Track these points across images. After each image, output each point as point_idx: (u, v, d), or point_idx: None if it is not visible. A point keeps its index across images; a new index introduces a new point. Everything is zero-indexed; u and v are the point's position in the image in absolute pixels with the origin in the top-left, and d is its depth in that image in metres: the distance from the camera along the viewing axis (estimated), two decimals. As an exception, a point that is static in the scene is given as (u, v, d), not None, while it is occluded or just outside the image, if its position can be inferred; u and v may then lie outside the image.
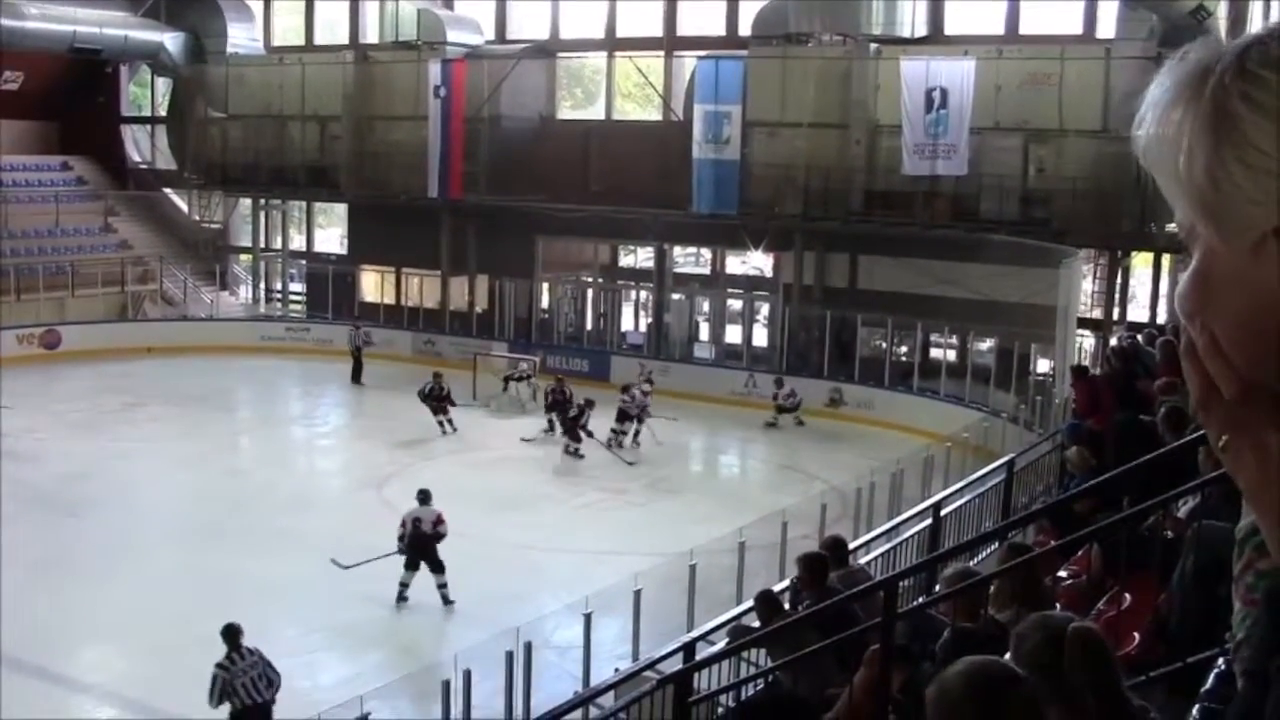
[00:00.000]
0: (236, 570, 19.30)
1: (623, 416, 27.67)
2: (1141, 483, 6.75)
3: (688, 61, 35.93)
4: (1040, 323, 28.36)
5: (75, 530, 21.12)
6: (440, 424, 28.38)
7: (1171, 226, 26.51)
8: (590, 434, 26.97)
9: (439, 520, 18.06)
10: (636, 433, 27.84)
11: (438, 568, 18.01)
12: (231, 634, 13.13)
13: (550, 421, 28.50)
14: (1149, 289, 31.94)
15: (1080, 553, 8.16)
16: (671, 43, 36.93)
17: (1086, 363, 26.36)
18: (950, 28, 33.34)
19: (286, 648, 17.23)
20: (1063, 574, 8.35)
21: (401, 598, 18.01)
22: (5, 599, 16.50)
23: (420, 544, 17.96)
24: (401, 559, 18.57)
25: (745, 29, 34.65)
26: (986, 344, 31.22)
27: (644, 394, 28.38)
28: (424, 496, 18.37)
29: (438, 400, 28.47)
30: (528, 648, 13.33)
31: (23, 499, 22.35)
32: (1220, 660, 3.34)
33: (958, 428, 25.80)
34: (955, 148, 30.46)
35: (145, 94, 49.06)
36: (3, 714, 12.98)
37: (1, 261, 38.61)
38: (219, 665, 12.96)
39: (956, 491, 15.45)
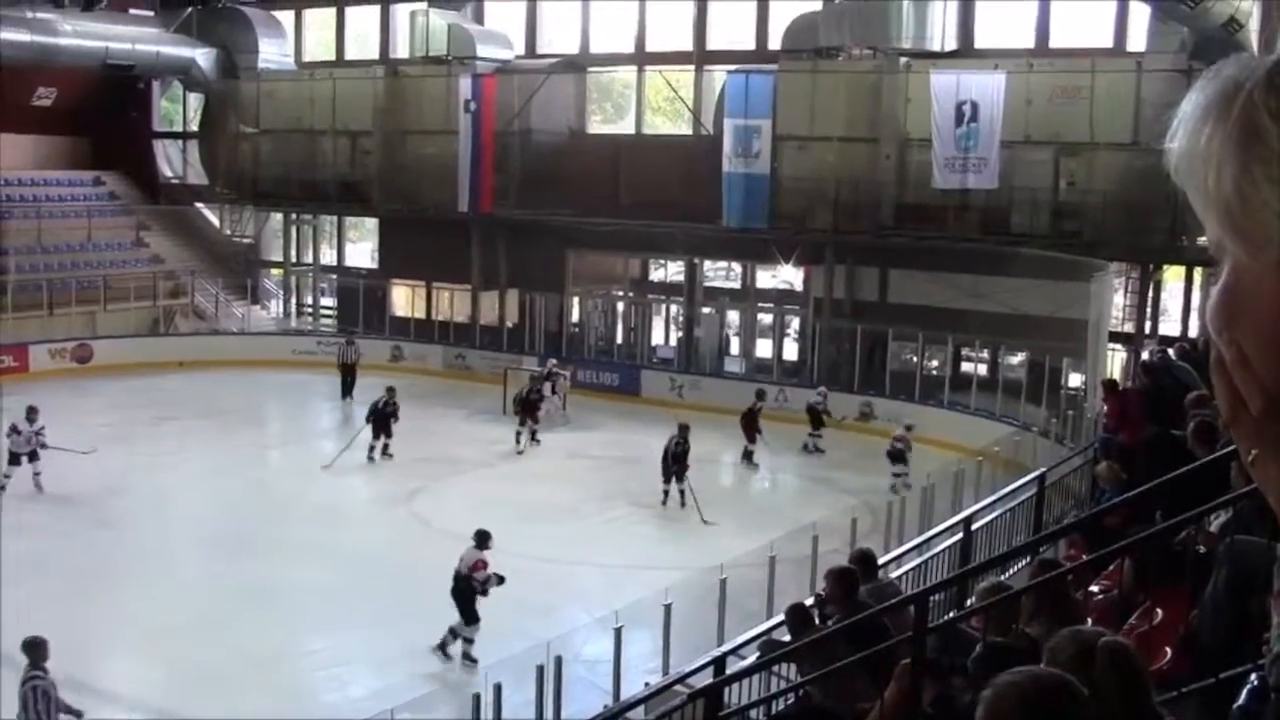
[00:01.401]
0: (266, 582, 19.50)
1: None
2: (1173, 497, 6.73)
3: (718, 75, 36.10)
4: (1071, 337, 28.32)
5: (107, 541, 21.24)
6: (373, 448, 27.55)
7: (1203, 240, 26.33)
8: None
9: (476, 565, 16.70)
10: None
11: (469, 617, 16.69)
12: (34, 647, 12.65)
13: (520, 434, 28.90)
14: (1180, 303, 31.82)
15: (1111, 567, 8.13)
16: (701, 57, 37.07)
17: (1118, 377, 26.46)
18: (980, 41, 33.36)
19: (316, 660, 17.70)
20: (1094, 588, 8.37)
21: (467, 657, 16.72)
22: (38, 608, 16.60)
23: (457, 587, 16.78)
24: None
25: (775, 43, 34.79)
26: (1017, 358, 31.09)
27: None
28: (480, 538, 17.00)
29: (381, 419, 27.52)
30: (558, 661, 13.36)
31: (54, 510, 22.76)
32: (1253, 675, 3.35)
33: (988, 441, 25.72)
34: (986, 161, 30.50)
35: (177, 109, 49.40)
36: None
37: (35, 276, 39.02)
38: (34, 676, 12.52)
39: (987, 506, 15.26)
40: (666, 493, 24.19)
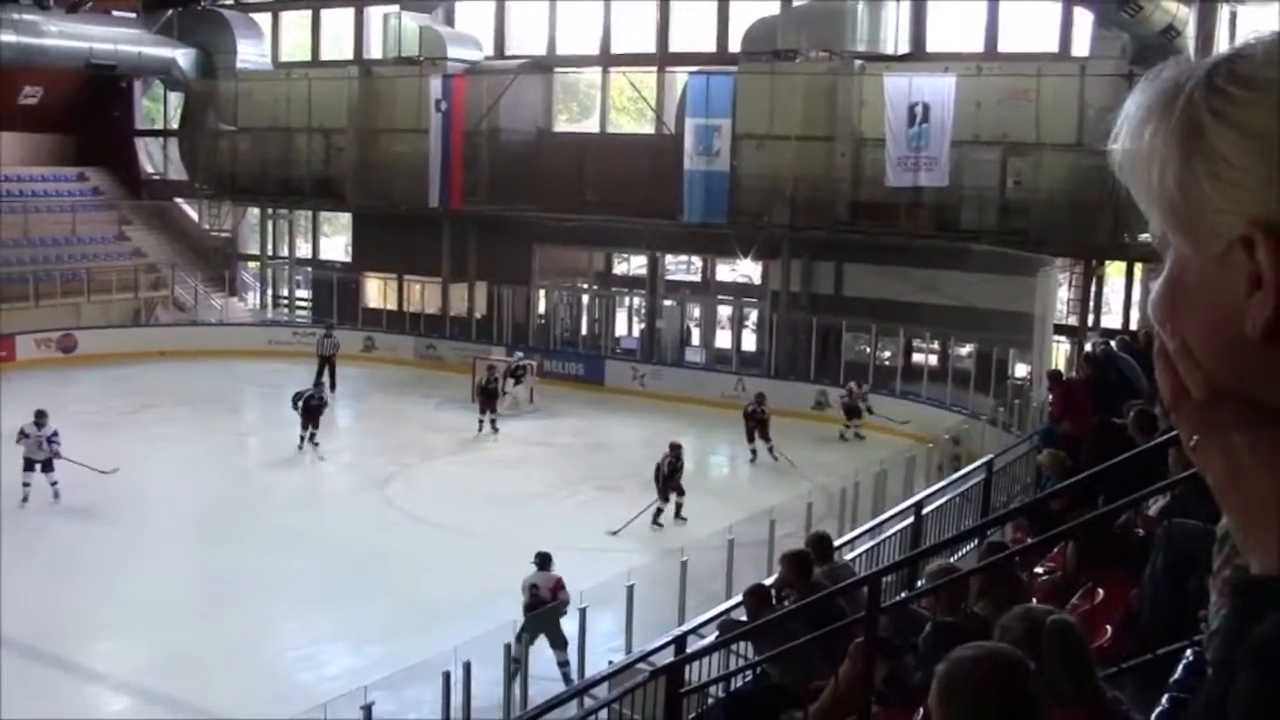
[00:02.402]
0: (244, 566, 19.60)
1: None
2: (1114, 482, 6.82)
3: (679, 77, 36.36)
4: (1018, 329, 28.69)
5: (90, 527, 21.41)
6: (303, 438, 27.65)
7: (1144, 237, 26.95)
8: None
9: (559, 586, 15.51)
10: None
11: (558, 642, 15.35)
12: None
13: (482, 422, 29.34)
14: (1122, 297, 32.26)
15: (1056, 550, 8.21)
16: (664, 59, 37.46)
17: (1062, 368, 26.80)
18: (932, 45, 33.96)
19: (291, 641, 17.85)
20: (1039, 570, 8.43)
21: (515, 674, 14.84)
22: (23, 592, 16.88)
23: (541, 612, 15.44)
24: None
25: (735, 45, 35.03)
26: (966, 349, 31.50)
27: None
28: (542, 560, 15.87)
29: (310, 410, 27.56)
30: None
31: (39, 496, 22.74)
32: (1188, 651, 3.49)
33: (939, 430, 26.24)
34: (937, 160, 30.92)
35: (158, 108, 49.62)
36: (21, 702, 13.03)
37: (21, 268, 39.35)
38: None
39: (937, 491, 15.56)
40: (660, 510, 22.91)
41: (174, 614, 17.59)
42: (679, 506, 23.08)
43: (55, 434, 23.09)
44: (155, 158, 48.90)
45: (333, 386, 33.71)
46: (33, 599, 17.56)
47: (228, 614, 18.06)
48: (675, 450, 23.34)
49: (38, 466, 22.91)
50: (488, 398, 29.28)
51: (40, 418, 23.08)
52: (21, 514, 21.98)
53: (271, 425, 31.93)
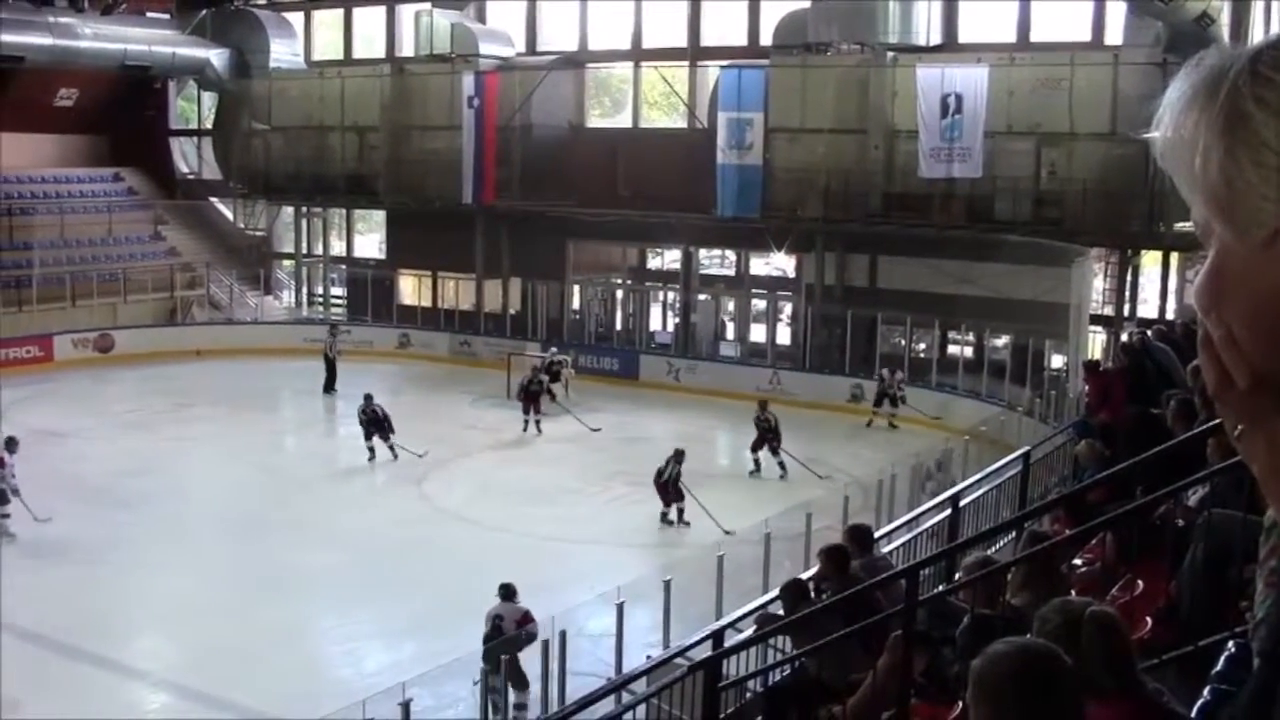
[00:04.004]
0: (282, 562, 19.86)
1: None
2: (1152, 473, 6.73)
3: (711, 71, 36.38)
4: (1053, 320, 28.69)
5: (128, 523, 21.55)
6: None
7: (1180, 225, 26.93)
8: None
9: (526, 619, 14.53)
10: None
11: (519, 683, 14.40)
12: None
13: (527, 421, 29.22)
14: (1158, 286, 32.14)
15: (1094, 541, 8.13)
16: (695, 53, 37.44)
17: (1098, 358, 26.58)
18: (964, 36, 33.85)
19: (328, 637, 17.96)
20: (1077, 561, 8.30)
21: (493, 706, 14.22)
22: (64, 588, 17.18)
23: (503, 646, 14.39)
24: None
25: (766, 39, 35.10)
26: (1002, 340, 31.44)
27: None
28: (506, 592, 14.96)
29: (375, 424, 26.91)
30: (563, 636, 13.58)
31: (78, 494, 22.96)
32: (1230, 643, 3.43)
33: (975, 422, 26.11)
34: (970, 151, 30.87)
35: (192, 108, 49.93)
36: (62, 700, 13.12)
37: (58, 269, 39.67)
38: None
39: (974, 483, 15.27)
40: (665, 514, 22.60)
41: (211, 610, 17.75)
42: (680, 512, 22.56)
43: (13, 469, 21.48)
44: (190, 157, 49.21)
45: (331, 388, 33.82)
46: (70, 597, 17.76)
47: (265, 610, 18.20)
48: (678, 456, 22.82)
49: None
50: (531, 398, 29.16)
51: (10, 444, 21.84)
52: (56, 512, 21.94)
53: (307, 423, 32.25)
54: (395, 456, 26.33)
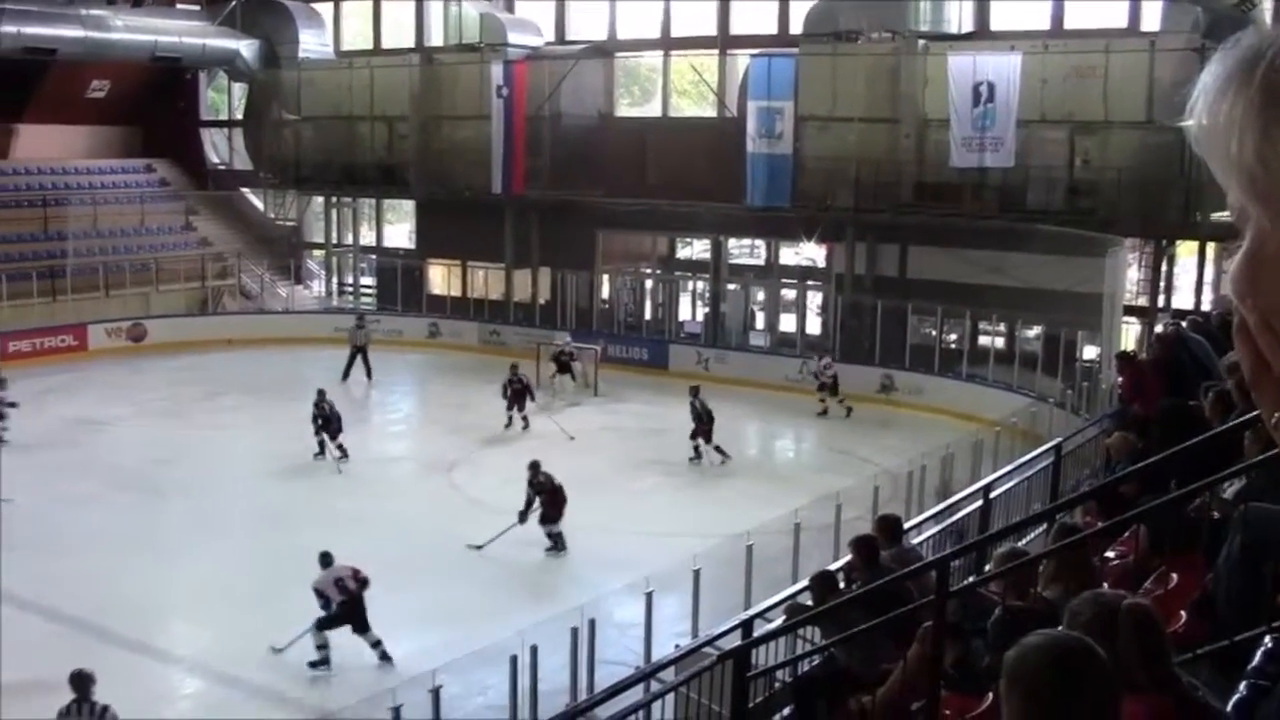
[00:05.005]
0: (312, 550, 19.47)
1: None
2: (1187, 466, 6.56)
3: (741, 59, 36.31)
4: (1086, 310, 28.39)
5: (161, 511, 21.69)
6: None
7: (1217, 215, 26.80)
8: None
9: (356, 572, 16.08)
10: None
11: (364, 627, 16.00)
12: (80, 682, 11.88)
13: (512, 417, 28.68)
14: (1193, 277, 31.69)
15: (1127, 534, 8.01)
16: (725, 41, 37.29)
17: (1132, 349, 26.68)
18: (996, 23, 33.49)
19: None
20: (1110, 554, 8.23)
21: (323, 661, 16.00)
22: (98, 574, 17.31)
23: (353, 604, 15.99)
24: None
25: (796, 27, 34.88)
26: (1034, 331, 31.20)
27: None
28: (325, 558, 16.32)
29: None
30: (591, 624, 13.59)
31: (112, 481, 23.16)
32: (1267, 638, 3.39)
33: (1006, 413, 25.95)
34: (1002, 140, 30.61)
35: (222, 99, 50.18)
36: (99, 685, 12.86)
37: (91, 259, 40.01)
38: (59, 712, 11.85)
39: (1005, 474, 15.27)
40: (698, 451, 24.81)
41: (243, 597, 17.87)
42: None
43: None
44: (220, 148, 49.51)
45: (368, 374, 34.10)
46: (105, 582, 17.84)
47: (295, 597, 18.00)
48: (694, 391, 26.05)
49: None
50: (516, 396, 28.61)
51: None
52: (90, 498, 22.23)
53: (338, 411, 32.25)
54: (343, 456, 25.56)
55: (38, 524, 21.41)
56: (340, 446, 25.67)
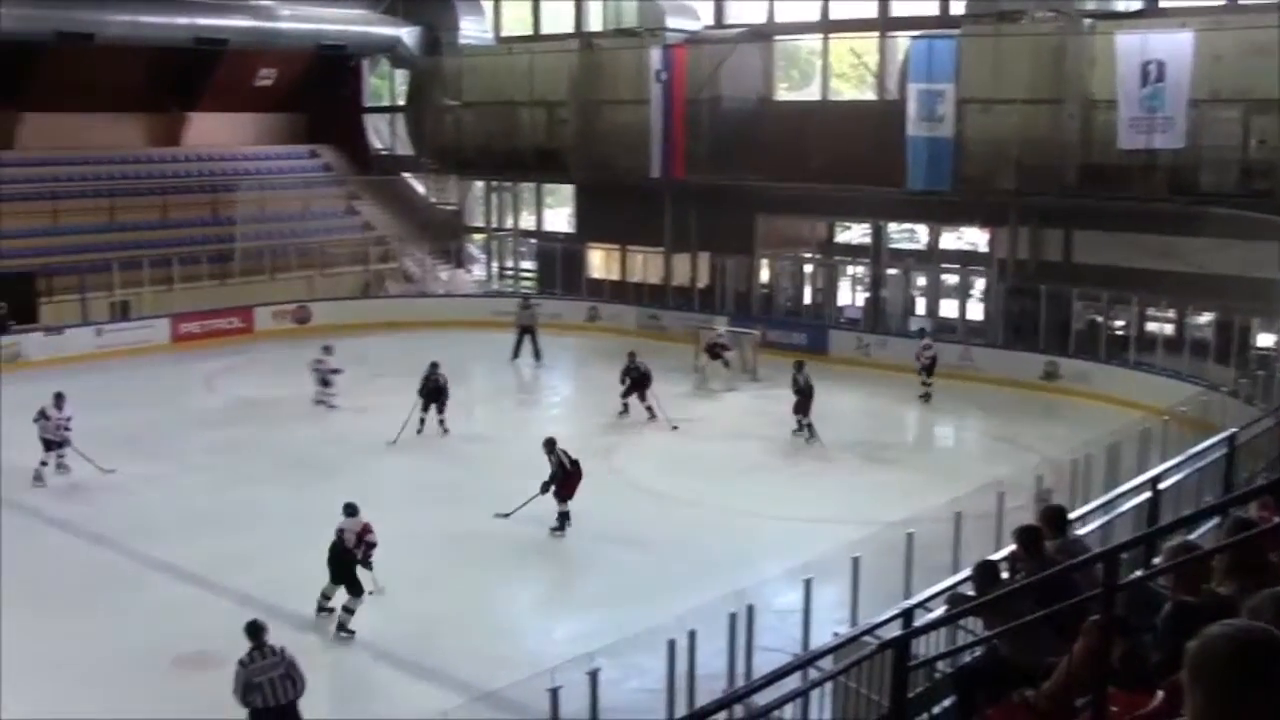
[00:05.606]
0: (473, 530, 20.18)
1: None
2: None
3: (901, 41, 35.83)
4: (1262, 296, 27.61)
5: (327, 489, 21.39)
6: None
7: None
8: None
9: (366, 531, 16.76)
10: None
11: (355, 589, 16.56)
12: (254, 631, 12.60)
13: (628, 404, 28.49)
14: None
15: None
16: (885, 23, 36.84)
17: None
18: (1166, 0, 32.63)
19: (519, 606, 18.30)
20: None
21: (323, 609, 16.82)
22: (265, 553, 17.71)
23: (340, 559, 16.69)
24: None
25: (958, 8, 34.42)
26: (1205, 318, 30.52)
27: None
28: (349, 509, 16.97)
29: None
30: (750, 610, 13.45)
31: (278, 461, 23.71)
32: None
33: (1175, 402, 25.23)
34: (1173, 121, 29.77)
35: (385, 85, 51.05)
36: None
37: (258, 244, 41.06)
38: (240, 661, 12.47)
39: (1175, 466, 14.51)
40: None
41: (404, 577, 17.98)
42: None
43: (70, 418, 23.30)
44: (383, 134, 50.32)
45: (537, 355, 34.82)
46: (270, 561, 18.19)
47: (456, 577, 18.58)
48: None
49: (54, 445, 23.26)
50: (634, 385, 28.39)
51: (59, 400, 23.35)
52: (254, 478, 22.67)
53: (497, 394, 32.73)
54: (446, 431, 26.66)
55: (211, 502, 22.08)
56: (442, 421, 26.57)
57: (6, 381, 27.83)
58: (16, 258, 36.61)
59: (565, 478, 20.43)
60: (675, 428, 27.36)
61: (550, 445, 20.67)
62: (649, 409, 28.00)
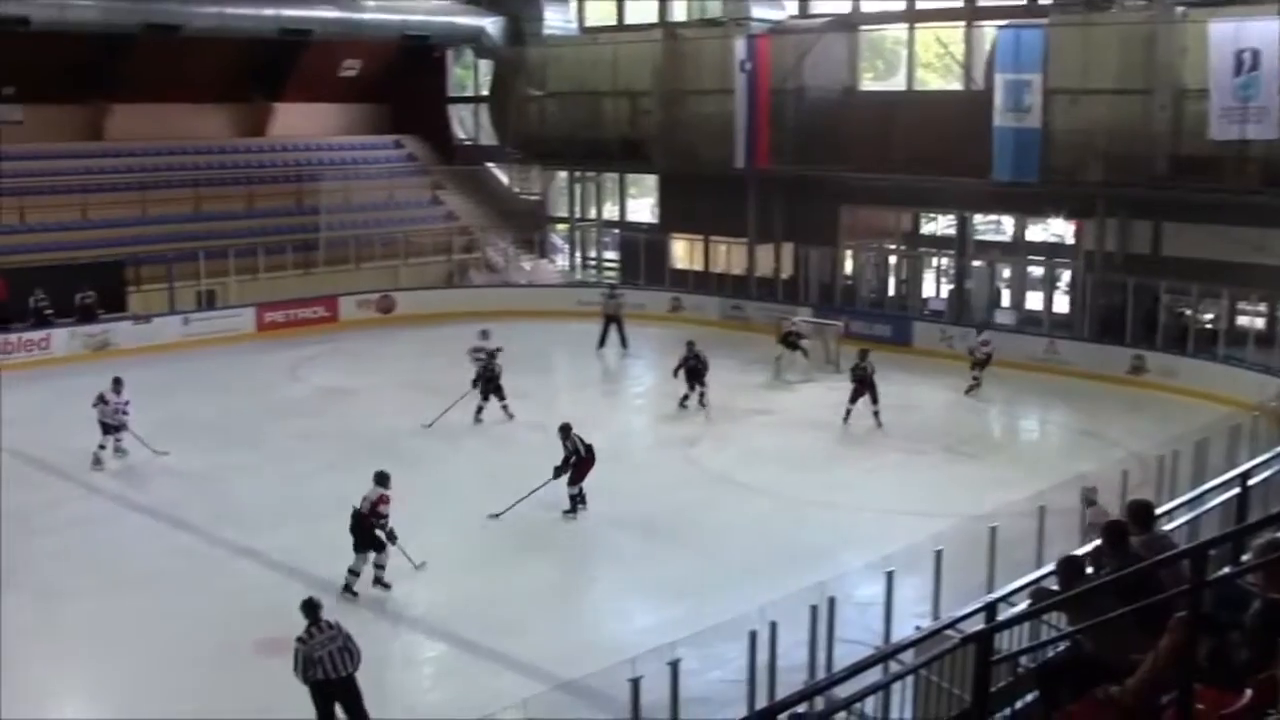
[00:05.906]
0: (552, 521, 20.22)
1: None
2: None
3: (987, 31, 35.46)
4: None
5: (409, 477, 21.24)
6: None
7: None
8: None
9: (380, 500, 17.30)
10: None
11: (378, 546, 17.35)
12: (310, 608, 12.83)
13: (687, 396, 28.36)
14: None
15: None
16: (972, 13, 36.40)
17: None
18: None
19: (600, 594, 18.33)
20: None
21: (349, 588, 17.18)
22: (350, 538, 17.91)
23: (359, 525, 17.31)
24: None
25: None
26: None
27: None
28: (379, 477, 17.60)
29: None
30: (831, 602, 13.41)
31: (361, 449, 23.63)
32: None
33: (1266, 397, 24.75)
34: (1267, 111, 29.04)
35: (469, 75, 51.09)
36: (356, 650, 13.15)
37: (343, 233, 41.42)
38: (298, 639, 12.68)
39: (1265, 461, 14.04)
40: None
41: (484, 565, 18.20)
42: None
43: (128, 403, 23.95)
44: (466, 124, 50.61)
45: (624, 344, 35.11)
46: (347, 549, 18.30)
47: (536, 566, 18.67)
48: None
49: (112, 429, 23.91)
50: (692, 375, 28.31)
51: (117, 385, 23.97)
52: (336, 466, 22.75)
53: (581, 384, 32.82)
54: (480, 420, 26.97)
55: (294, 490, 22.34)
56: (505, 407, 27.06)
57: (97, 369, 28.16)
58: (105, 247, 37.15)
59: (580, 463, 20.67)
60: (709, 418, 27.60)
61: (565, 431, 20.91)
62: (700, 395, 28.11)
